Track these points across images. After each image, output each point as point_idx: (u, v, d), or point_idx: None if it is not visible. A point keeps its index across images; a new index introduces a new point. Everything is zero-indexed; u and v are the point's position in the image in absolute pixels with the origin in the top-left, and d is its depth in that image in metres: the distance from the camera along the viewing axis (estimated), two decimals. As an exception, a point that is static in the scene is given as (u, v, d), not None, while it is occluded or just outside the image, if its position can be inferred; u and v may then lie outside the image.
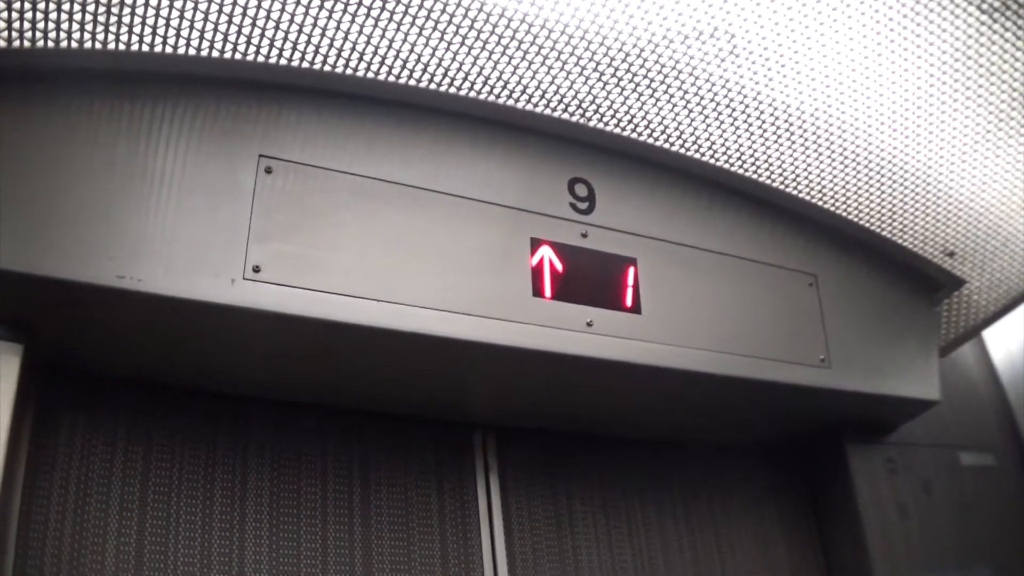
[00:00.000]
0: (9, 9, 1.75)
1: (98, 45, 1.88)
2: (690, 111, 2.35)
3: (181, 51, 1.96)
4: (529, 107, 2.31)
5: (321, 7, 1.92)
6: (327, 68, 2.09)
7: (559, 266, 2.26)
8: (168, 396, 2.18)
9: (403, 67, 2.13)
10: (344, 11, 1.94)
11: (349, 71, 2.11)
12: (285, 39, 1.99)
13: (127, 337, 1.99)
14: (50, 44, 1.84)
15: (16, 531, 1.86)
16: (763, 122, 2.40)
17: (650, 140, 2.45)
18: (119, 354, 2.06)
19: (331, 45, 2.03)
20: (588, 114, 2.35)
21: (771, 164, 2.56)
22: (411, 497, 2.39)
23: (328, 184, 2.06)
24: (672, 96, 2.30)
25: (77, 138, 1.84)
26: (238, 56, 2.01)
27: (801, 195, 2.68)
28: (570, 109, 2.33)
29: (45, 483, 1.96)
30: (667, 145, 2.47)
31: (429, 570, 2.32)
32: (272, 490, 2.22)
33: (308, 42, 2.01)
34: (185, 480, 2.13)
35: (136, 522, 2.03)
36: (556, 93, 2.27)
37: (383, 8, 1.95)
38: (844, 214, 2.76)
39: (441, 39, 2.06)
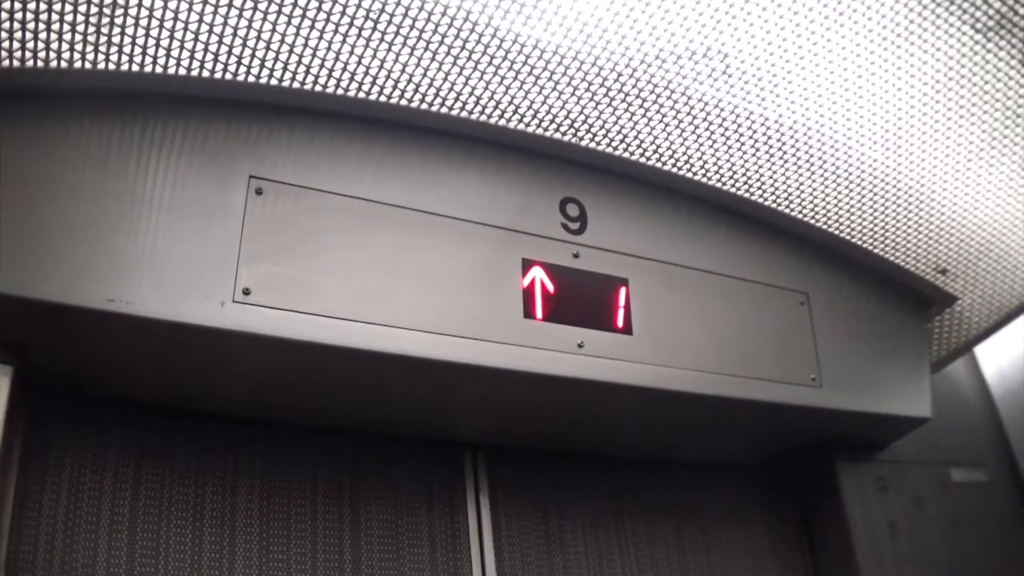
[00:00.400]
0: (-3, 30, 1.74)
1: (88, 65, 1.87)
2: (682, 130, 2.35)
3: (171, 71, 1.95)
4: (521, 127, 2.30)
5: (312, 27, 1.92)
6: (317, 88, 2.08)
7: (550, 287, 2.25)
8: (158, 417, 2.17)
9: (394, 87, 2.12)
10: (335, 31, 1.94)
11: (340, 91, 2.10)
12: (276, 59, 1.98)
13: (117, 358, 1.98)
14: (39, 64, 1.83)
15: (6, 551, 1.85)
16: (755, 141, 2.40)
17: (642, 159, 2.45)
18: (110, 375, 2.06)
19: (322, 65, 2.02)
20: (580, 134, 2.35)
21: (763, 183, 2.56)
22: (401, 517, 2.38)
23: (318, 205, 2.05)
24: (664, 116, 2.29)
25: (67, 159, 1.83)
26: (228, 76, 2.00)
27: (793, 213, 2.68)
28: (562, 129, 2.32)
29: (35, 503, 1.96)
30: (659, 164, 2.47)
31: (419, 589, 2.32)
32: (262, 510, 2.21)
33: (299, 62, 2.00)
34: (175, 501, 2.12)
35: (126, 542, 2.03)
36: (548, 113, 2.26)
37: (374, 28, 1.94)
38: (836, 232, 2.76)
39: (432, 59, 2.05)
